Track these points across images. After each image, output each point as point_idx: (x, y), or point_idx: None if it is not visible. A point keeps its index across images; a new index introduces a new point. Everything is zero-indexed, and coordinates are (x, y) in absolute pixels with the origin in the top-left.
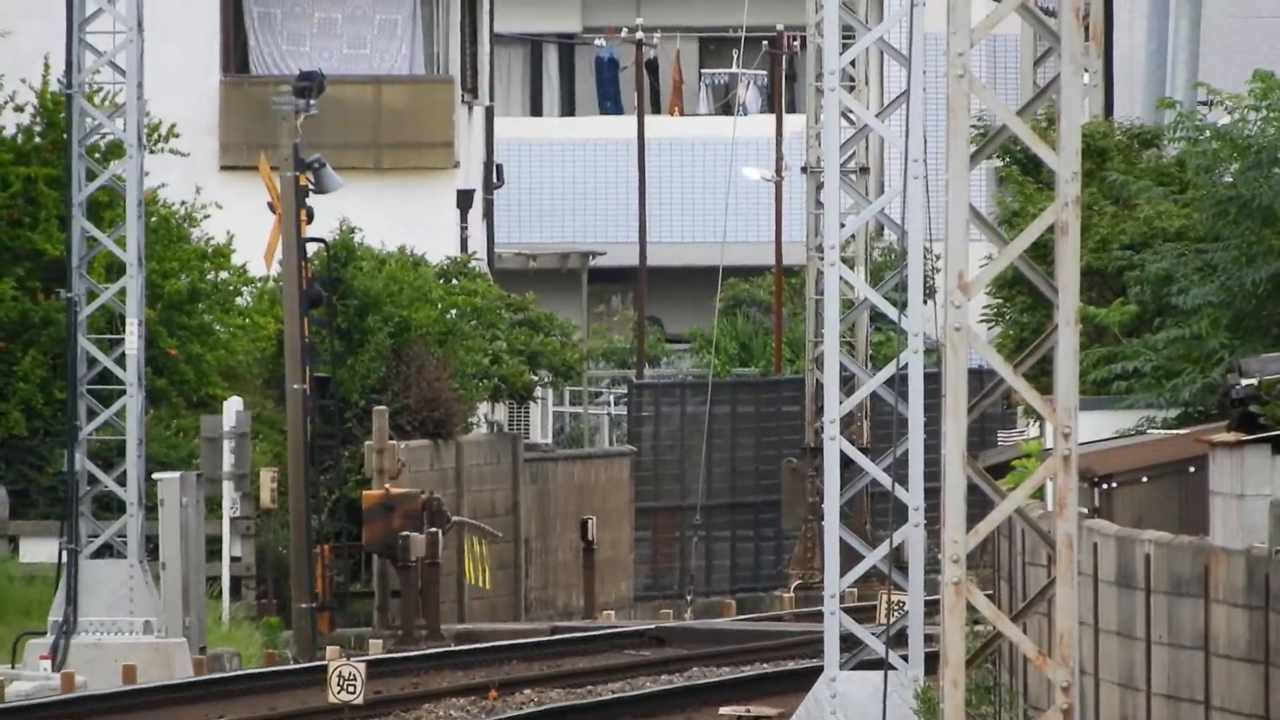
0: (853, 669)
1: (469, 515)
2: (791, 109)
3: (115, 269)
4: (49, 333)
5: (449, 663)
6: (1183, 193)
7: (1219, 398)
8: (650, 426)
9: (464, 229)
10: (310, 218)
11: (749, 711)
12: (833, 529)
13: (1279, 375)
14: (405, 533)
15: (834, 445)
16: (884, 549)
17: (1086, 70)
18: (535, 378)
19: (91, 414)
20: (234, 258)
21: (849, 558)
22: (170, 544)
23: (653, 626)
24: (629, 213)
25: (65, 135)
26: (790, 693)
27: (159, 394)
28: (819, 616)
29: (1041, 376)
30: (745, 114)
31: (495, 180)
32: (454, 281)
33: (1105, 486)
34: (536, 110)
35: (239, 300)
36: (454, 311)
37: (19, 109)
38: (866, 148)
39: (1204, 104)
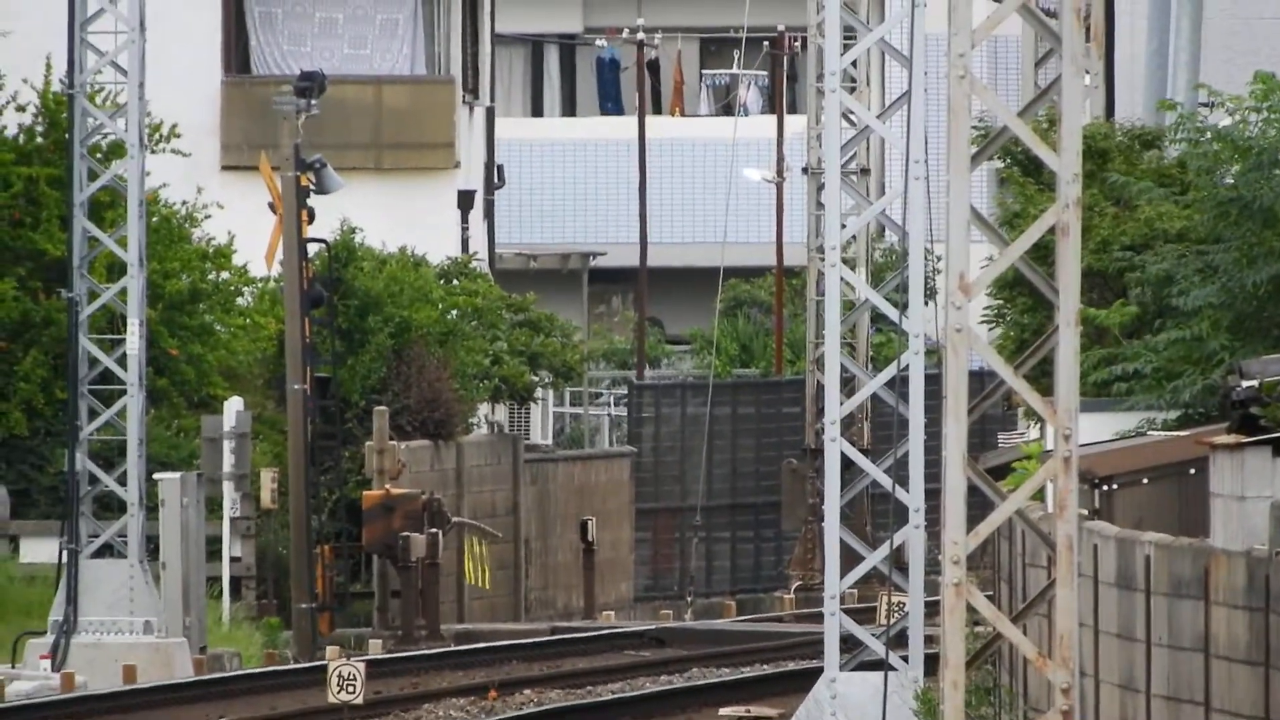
0: (853, 670)
1: (469, 516)
2: (792, 110)
3: (116, 269)
4: (50, 333)
5: (449, 663)
6: (1184, 194)
7: (1219, 399)
8: (650, 427)
9: (465, 229)
10: (311, 218)
11: (749, 712)
12: (833, 530)
13: (1279, 377)
14: (405, 533)
15: (834, 446)
16: (884, 550)
17: (1087, 71)
18: (536, 378)
19: (92, 414)
20: (235, 258)
21: (849, 559)
22: (171, 544)
23: (653, 627)
24: (630, 213)
25: (67, 135)
26: (790, 694)
27: (160, 394)
28: (819, 617)
29: (1042, 378)
30: (746, 115)
31: (496, 181)
32: (455, 282)
33: (1106, 488)
34: (537, 111)
35: (240, 300)
36: (455, 312)
37: (21, 109)
38: (867, 149)
39: (1205, 105)
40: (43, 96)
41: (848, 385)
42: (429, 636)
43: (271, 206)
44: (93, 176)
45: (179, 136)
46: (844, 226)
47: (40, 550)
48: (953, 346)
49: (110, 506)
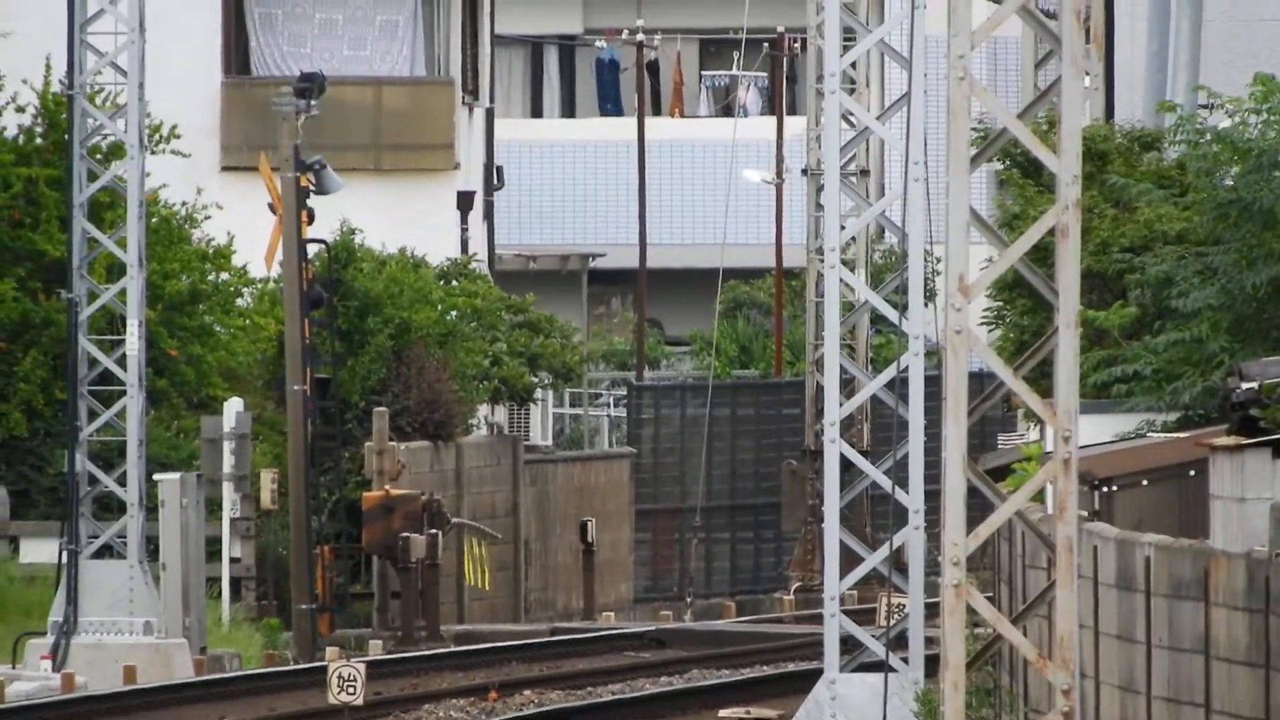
0: (853, 671)
1: (469, 517)
2: (792, 111)
3: (116, 270)
4: (50, 333)
5: (449, 664)
6: (1183, 196)
7: (1219, 401)
8: (650, 428)
9: (464, 230)
10: (311, 219)
11: (749, 713)
12: (833, 531)
13: (1279, 379)
14: (405, 534)
15: (834, 448)
16: (884, 551)
17: (1087, 73)
18: (535, 379)
19: (92, 415)
20: (235, 259)
21: (849, 560)
22: (170, 545)
23: (652, 628)
24: (629, 214)
25: (66, 136)
26: (790, 695)
27: (159, 395)
28: (819, 619)
29: (1042, 379)
30: (746, 116)
31: (496, 182)
32: (454, 283)
33: (1105, 489)
34: (537, 112)
35: (240, 301)
36: (454, 313)
37: (20, 110)
38: (867, 150)
39: (1205, 107)
40: (42, 97)
41: (847, 387)
42: (429, 637)
43: (271, 207)
44: (92, 177)
45: (179, 137)
46: (843, 228)
47: (40, 551)
48: (952, 348)
49: (110, 507)
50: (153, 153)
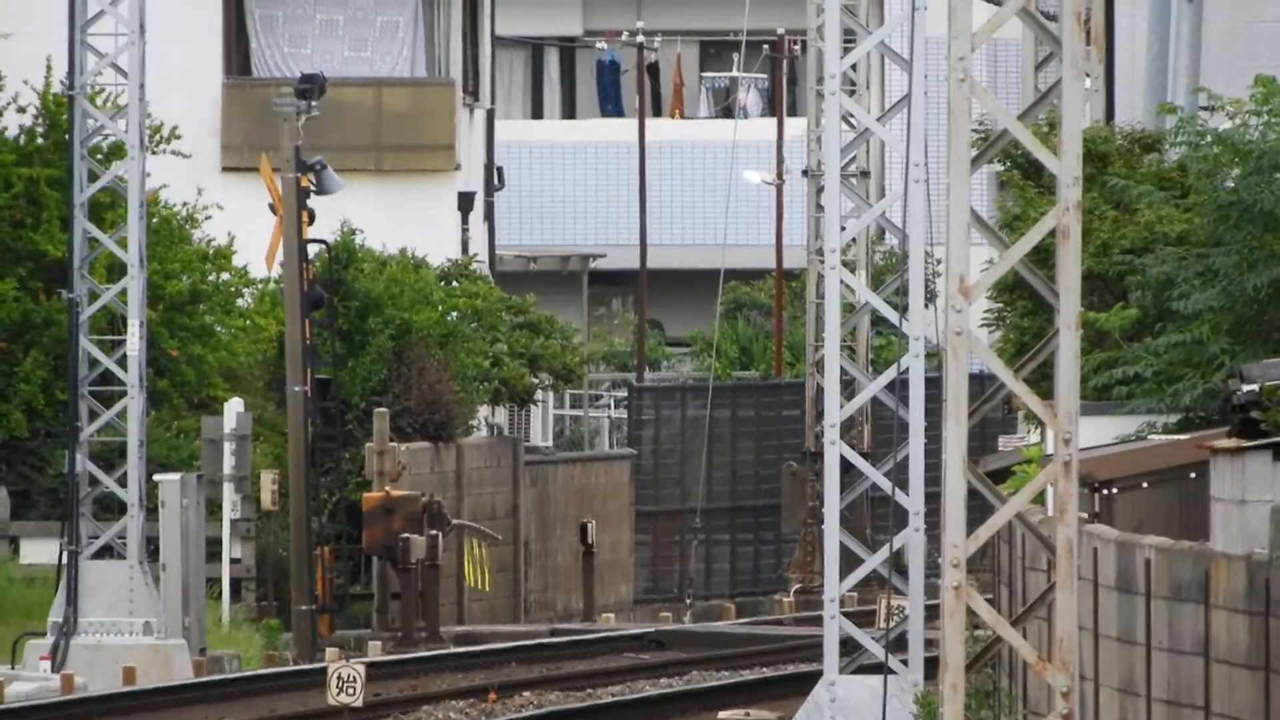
0: (852, 673)
1: (469, 518)
2: (792, 112)
3: (117, 270)
4: (50, 334)
5: (448, 665)
6: (1184, 197)
7: (1220, 403)
8: (650, 430)
9: (465, 231)
10: (311, 219)
11: (748, 715)
12: (833, 533)
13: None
14: (405, 535)
15: (834, 449)
16: (884, 553)
17: (1088, 75)
18: (536, 380)
19: (93, 415)
20: (235, 259)
21: (849, 562)
22: (170, 545)
23: (652, 630)
24: (630, 215)
25: (67, 136)
26: (790, 697)
27: (160, 395)
28: (819, 620)
29: (1042, 381)
30: (746, 117)
31: (496, 182)
32: (455, 284)
33: (1106, 492)
34: (537, 113)
35: (240, 302)
36: (455, 314)
37: (21, 110)
38: (867, 151)
39: (1205, 109)
40: (43, 98)
41: (847, 388)
42: (429, 638)
43: (272, 208)
44: (93, 177)
45: (179, 138)
46: (844, 229)
47: (40, 551)
48: (953, 349)
49: (110, 508)
50: (153, 153)
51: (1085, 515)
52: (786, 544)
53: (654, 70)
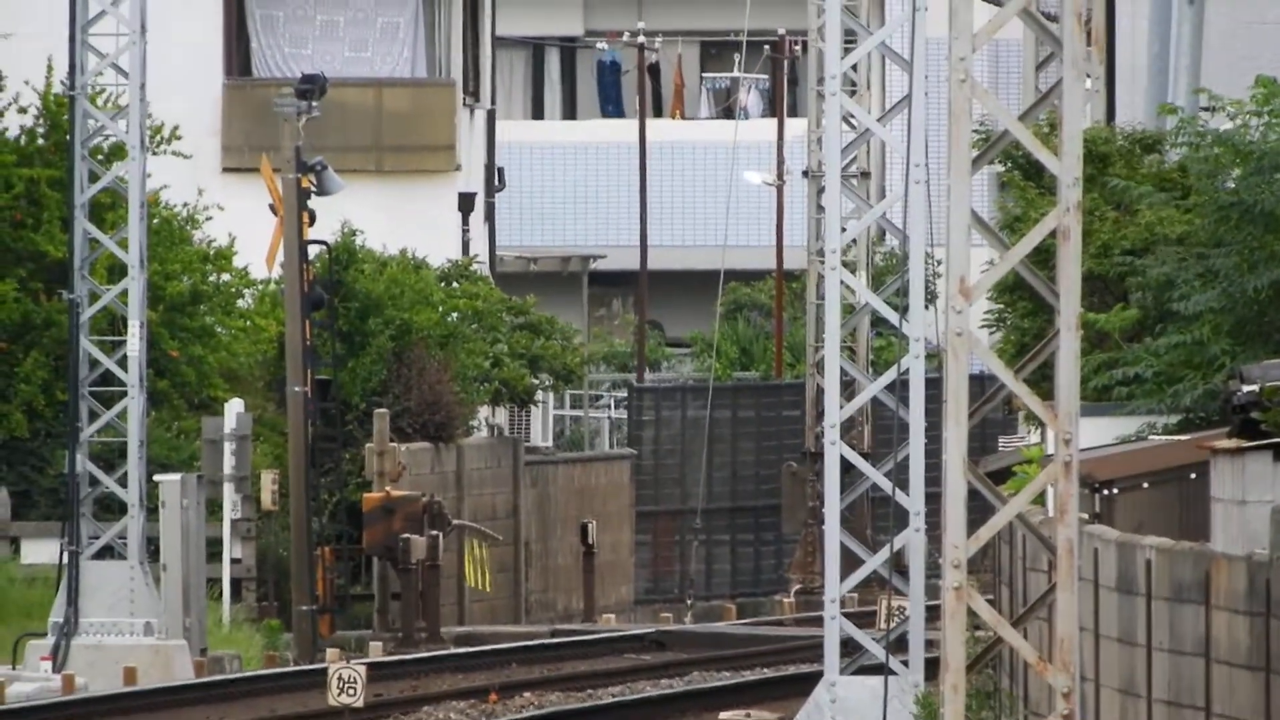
0: (853, 674)
1: (469, 518)
2: (793, 113)
3: (117, 270)
4: (51, 334)
5: (449, 665)
6: (1184, 198)
7: (1220, 404)
8: (651, 430)
9: (465, 232)
10: (312, 220)
11: (749, 716)
12: (833, 534)
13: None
14: (405, 535)
15: (834, 450)
16: (884, 554)
17: (1088, 75)
18: (536, 381)
19: (93, 415)
20: (236, 260)
21: (849, 562)
22: (171, 546)
23: (653, 630)
24: (630, 216)
25: (68, 137)
26: (790, 697)
27: (160, 396)
28: (819, 621)
29: (1043, 382)
30: (746, 118)
31: (497, 183)
32: (455, 284)
33: (1106, 492)
34: (538, 113)
35: (240, 302)
36: (455, 314)
37: (22, 110)
38: (868, 152)
39: (1206, 110)
40: (44, 98)
41: (848, 389)
42: (429, 639)
43: (272, 208)
44: (94, 178)
45: (180, 138)
46: (844, 230)
47: (41, 552)
48: (953, 350)
49: (111, 508)
50: (154, 154)
51: (1086, 516)
52: (787, 544)
53: (655, 71)
